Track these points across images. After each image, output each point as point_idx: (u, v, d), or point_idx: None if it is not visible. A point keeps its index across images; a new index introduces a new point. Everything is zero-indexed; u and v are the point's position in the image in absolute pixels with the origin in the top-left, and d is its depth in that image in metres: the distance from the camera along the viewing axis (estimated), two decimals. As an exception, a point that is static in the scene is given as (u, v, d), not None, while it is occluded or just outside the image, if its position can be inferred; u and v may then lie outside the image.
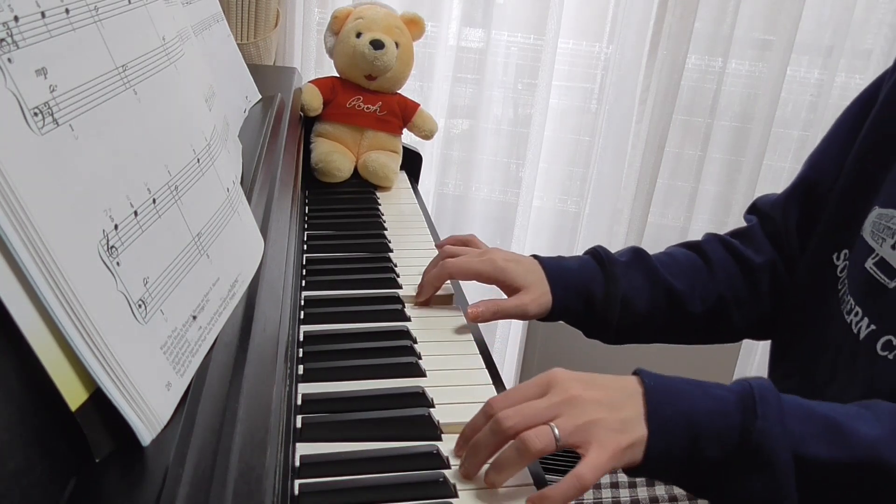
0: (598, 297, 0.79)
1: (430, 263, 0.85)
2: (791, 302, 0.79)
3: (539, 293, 0.78)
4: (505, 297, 0.81)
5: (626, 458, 0.55)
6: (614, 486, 0.87)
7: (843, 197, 0.74)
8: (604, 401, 0.55)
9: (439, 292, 0.86)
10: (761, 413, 0.54)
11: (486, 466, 0.57)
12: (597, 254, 0.82)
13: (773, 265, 0.82)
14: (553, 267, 0.81)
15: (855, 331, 0.65)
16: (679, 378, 0.58)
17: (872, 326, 0.63)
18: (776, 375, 0.80)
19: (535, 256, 0.82)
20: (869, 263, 0.65)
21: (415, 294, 0.86)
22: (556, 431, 0.53)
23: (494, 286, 0.82)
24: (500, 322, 0.82)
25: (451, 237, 0.91)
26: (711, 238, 0.86)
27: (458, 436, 0.61)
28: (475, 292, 0.90)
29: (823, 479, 0.54)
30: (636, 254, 0.83)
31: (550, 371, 0.58)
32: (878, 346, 0.62)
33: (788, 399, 0.57)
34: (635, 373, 0.59)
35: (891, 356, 0.61)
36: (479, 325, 0.83)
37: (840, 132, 0.78)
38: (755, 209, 0.87)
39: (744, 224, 0.88)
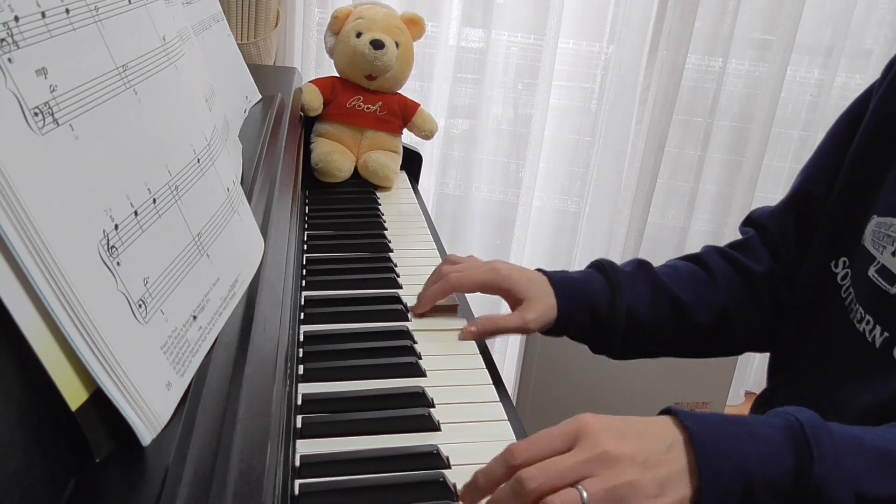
0: (604, 306, 0.79)
1: (431, 277, 0.84)
2: (792, 311, 0.79)
3: (543, 307, 0.77)
4: (507, 310, 0.79)
5: None
6: None
7: (838, 206, 0.75)
8: (639, 456, 0.49)
9: (443, 302, 0.83)
10: (817, 455, 0.51)
11: None
12: (600, 265, 0.82)
13: (773, 275, 0.82)
14: (558, 278, 0.80)
15: (870, 339, 0.65)
16: (719, 416, 0.54)
17: (886, 333, 0.64)
18: (776, 381, 0.80)
19: (539, 269, 0.81)
20: (871, 272, 0.66)
21: (415, 303, 0.84)
22: (584, 495, 0.47)
23: (495, 298, 0.80)
24: (501, 322, 0.81)
25: (451, 256, 0.87)
26: (710, 249, 0.86)
27: (460, 435, 0.61)
28: (478, 302, 0.89)
29: None
30: (639, 264, 0.83)
31: (578, 418, 0.52)
32: (895, 352, 0.62)
33: (837, 431, 0.53)
34: (669, 411, 0.54)
35: None
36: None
37: (832, 142, 0.78)
38: (751, 221, 0.87)
39: (740, 234, 0.88)
